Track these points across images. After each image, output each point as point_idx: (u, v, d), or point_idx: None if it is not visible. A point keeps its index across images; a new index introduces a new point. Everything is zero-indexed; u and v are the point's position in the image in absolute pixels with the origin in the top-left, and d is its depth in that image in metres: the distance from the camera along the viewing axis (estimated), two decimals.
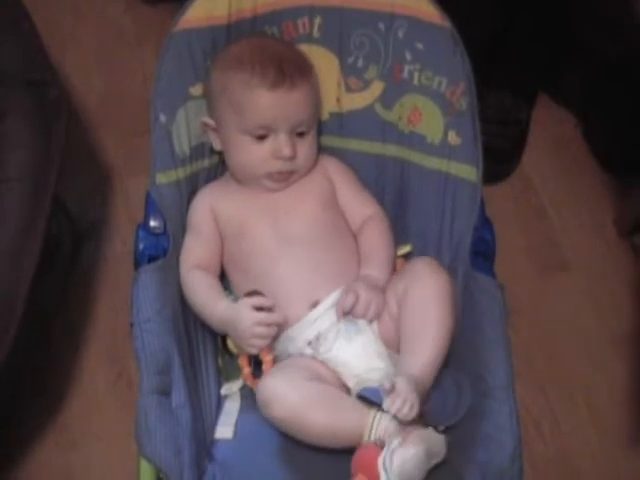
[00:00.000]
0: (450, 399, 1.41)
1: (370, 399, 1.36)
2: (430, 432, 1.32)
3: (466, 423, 1.40)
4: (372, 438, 1.33)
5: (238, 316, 1.43)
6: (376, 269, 1.51)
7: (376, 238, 1.56)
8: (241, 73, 1.49)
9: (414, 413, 1.31)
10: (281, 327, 1.46)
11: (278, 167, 1.53)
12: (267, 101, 1.48)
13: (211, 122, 1.56)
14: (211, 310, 1.47)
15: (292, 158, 1.52)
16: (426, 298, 1.44)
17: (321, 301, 1.48)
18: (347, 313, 1.45)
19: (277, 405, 1.35)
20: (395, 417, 1.31)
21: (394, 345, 1.46)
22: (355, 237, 1.58)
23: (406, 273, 1.50)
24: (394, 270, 1.55)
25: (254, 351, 1.44)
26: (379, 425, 1.33)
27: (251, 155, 1.52)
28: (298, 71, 1.52)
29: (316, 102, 1.57)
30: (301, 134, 1.53)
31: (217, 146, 1.58)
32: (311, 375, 1.41)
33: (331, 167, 1.61)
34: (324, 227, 1.55)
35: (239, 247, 1.54)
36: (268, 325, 1.42)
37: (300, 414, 1.35)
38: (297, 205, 1.55)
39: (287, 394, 1.36)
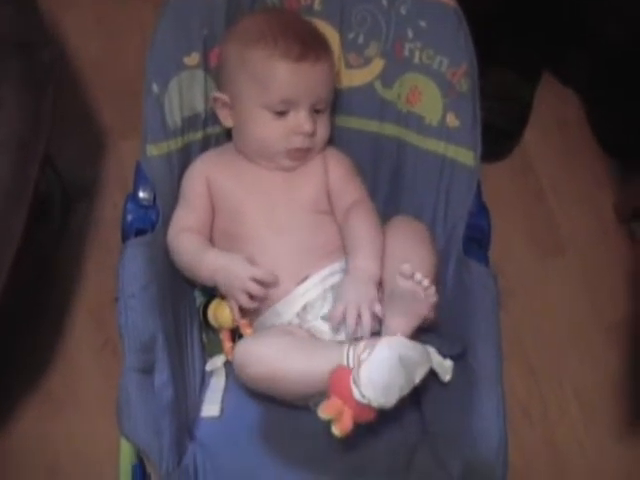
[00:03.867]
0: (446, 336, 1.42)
1: None
2: (400, 338, 1.30)
3: (452, 414, 1.38)
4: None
5: (233, 266, 1.43)
6: (365, 259, 1.46)
7: (362, 226, 1.51)
8: (263, 47, 1.46)
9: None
10: (269, 301, 1.46)
11: (298, 143, 1.51)
12: (292, 74, 1.46)
13: (224, 97, 1.53)
14: (200, 260, 1.46)
15: (312, 134, 1.50)
16: (406, 238, 1.47)
17: (310, 276, 1.47)
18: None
19: (252, 363, 1.36)
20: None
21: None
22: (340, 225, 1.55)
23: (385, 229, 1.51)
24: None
25: (241, 303, 1.43)
26: (355, 352, 1.30)
27: (271, 130, 1.50)
28: (320, 45, 1.51)
29: (334, 79, 1.55)
30: (318, 112, 1.51)
31: (228, 123, 1.55)
32: (283, 332, 1.42)
33: (329, 154, 1.58)
34: (318, 213, 1.53)
35: (231, 226, 1.52)
36: (261, 285, 1.41)
37: (275, 365, 1.35)
38: (294, 191, 1.53)
39: (260, 350, 1.38)
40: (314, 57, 1.47)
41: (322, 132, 1.53)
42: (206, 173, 1.54)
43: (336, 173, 1.56)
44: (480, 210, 1.51)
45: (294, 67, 1.46)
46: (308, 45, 1.47)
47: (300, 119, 1.49)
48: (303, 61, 1.46)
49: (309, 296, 1.46)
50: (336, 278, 1.47)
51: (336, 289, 1.45)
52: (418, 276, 1.32)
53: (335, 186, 1.55)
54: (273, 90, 1.47)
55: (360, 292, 1.42)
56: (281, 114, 1.48)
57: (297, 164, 1.54)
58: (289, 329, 1.44)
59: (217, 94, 1.54)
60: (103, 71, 2.11)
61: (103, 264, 1.93)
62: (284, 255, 1.48)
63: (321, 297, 1.46)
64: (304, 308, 1.46)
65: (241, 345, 1.41)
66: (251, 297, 1.42)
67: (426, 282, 1.33)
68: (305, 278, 1.47)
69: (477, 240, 1.49)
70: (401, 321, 1.36)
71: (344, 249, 1.51)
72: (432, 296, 1.34)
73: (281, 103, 1.48)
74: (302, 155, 1.53)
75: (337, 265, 1.49)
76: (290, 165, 1.53)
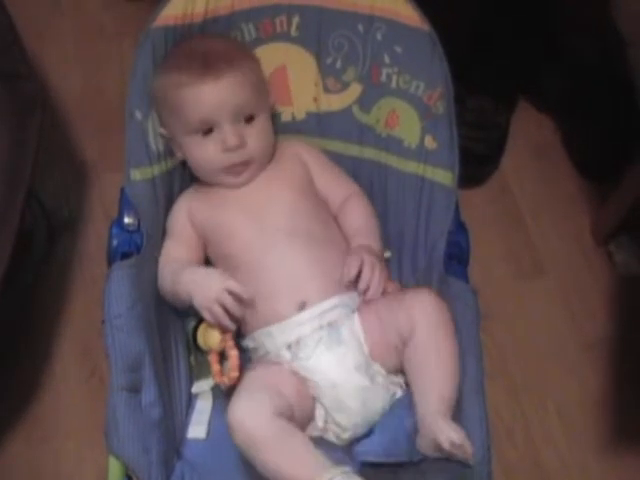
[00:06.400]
0: None
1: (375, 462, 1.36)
2: None
3: None
4: None
5: (207, 278, 1.43)
6: (369, 240, 1.52)
7: (360, 212, 1.57)
8: (170, 76, 1.49)
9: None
10: (263, 321, 1.46)
11: (231, 160, 1.51)
12: (198, 95, 1.47)
13: (165, 132, 1.55)
14: (178, 280, 1.45)
15: (240, 147, 1.50)
16: (435, 337, 1.42)
17: (308, 303, 1.45)
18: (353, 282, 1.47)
19: (238, 433, 1.32)
20: None
21: (383, 361, 1.45)
22: (336, 218, 1.59)
23: (406, 304, 1.45)
24: (385, 289, 1.50)
25: (215, 316, 1.40)
26: None
27: (203, 154, 1.51)
28: (224, 61, 1.49)
29: (257, 86, 1.53)
30: (249, 120, 1.51)
31: (180, 155, 1.56)
32: (280, 404, 1.36)
33: (304, 152, 1.61)
34: (306, 216, 1.53)
35: (224, 248, 1.52)
36: (236, 299, 1.40)
37: (255, 449, 1.31)
38: (273, 195, 1.54)
39: (248, 426, 1.31)
40: (214, 73, 1.46)
41: (256, 140, 1.52)
42: (186, 208, 1.56)
43: (318, 164, 1.61)
44: (458, 227, 1.54)
45: (198, 88, 1.46)
46: (208, 63, 1.47)
47: (223, 135, 1.48)
48: (204, 80, 1.46)
49: (304, 329, 1.44)
50: (334, 314, 1.45)
51: (332, 327, 1.44)
52: (467, 448, 1.32)
53: (324, 178, 1.60)
54: (189, 114, 1.48)
55: (372, 256, 1.47)
56: (207, 133, 1.49)
57: (244, 179, 1.54)
58: (287, 391, 1.39)
59: (161, 130, 1.55)
60: (84, 104, 2.14)
61: (87, 295, 1.94)
62: (279, 259, 1.48)
63: (316, 334, 1.44)
64: (297, 342, 1.44)
65: (233, 405, 1.34)
66: (228, 313, 1.40)
67: (469, 449, 1.33)
68: (304, 304, 1.45)
69: (456, 257, 1.52)
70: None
71: (344, 236, 1.56)
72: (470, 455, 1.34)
73: (201, 124, 1.49)
74: (242, 169, 1.53)
75: (337, 299, 1.47)
76: (237, 182, 1.54)
